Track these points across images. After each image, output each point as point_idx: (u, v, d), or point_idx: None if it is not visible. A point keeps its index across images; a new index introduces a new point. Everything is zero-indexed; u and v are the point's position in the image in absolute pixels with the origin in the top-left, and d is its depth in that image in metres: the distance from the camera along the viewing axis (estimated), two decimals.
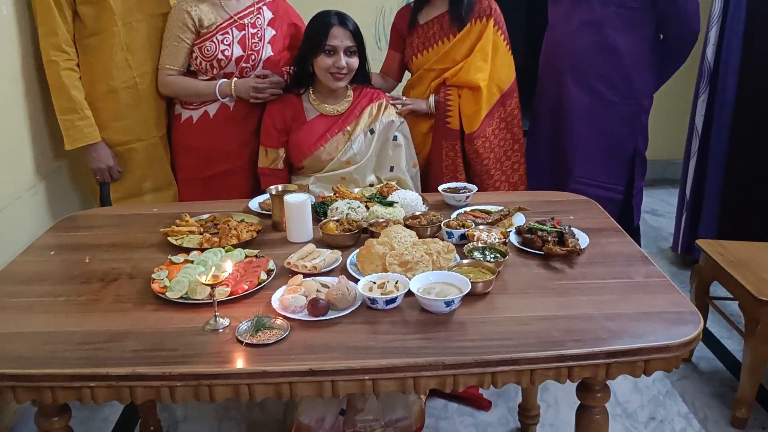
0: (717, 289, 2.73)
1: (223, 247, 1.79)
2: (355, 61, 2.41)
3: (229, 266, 1.48)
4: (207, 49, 2.47)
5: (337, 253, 1.74)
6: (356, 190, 2.30)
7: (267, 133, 2.51)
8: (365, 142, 2.49)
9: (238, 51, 2.50)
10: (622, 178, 2.74)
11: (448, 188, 2.20)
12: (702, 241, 2.62)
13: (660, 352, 1.38)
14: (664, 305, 1.52)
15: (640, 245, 2.95)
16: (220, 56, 2.47)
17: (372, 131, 2.50)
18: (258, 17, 2.57)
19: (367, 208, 2.09)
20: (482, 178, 2.71)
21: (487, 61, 2.65)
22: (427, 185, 2.75)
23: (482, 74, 2.65)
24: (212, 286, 1.44)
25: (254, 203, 2.19)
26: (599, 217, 2.05)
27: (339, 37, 2.36)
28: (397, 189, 2.24)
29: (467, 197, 2.13)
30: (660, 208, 4.44)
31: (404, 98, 2.71)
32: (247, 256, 1.76)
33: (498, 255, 1.70)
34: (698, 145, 3.34)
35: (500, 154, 2.75)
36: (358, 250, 1.74)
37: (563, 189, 2.72)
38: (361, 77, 2.55)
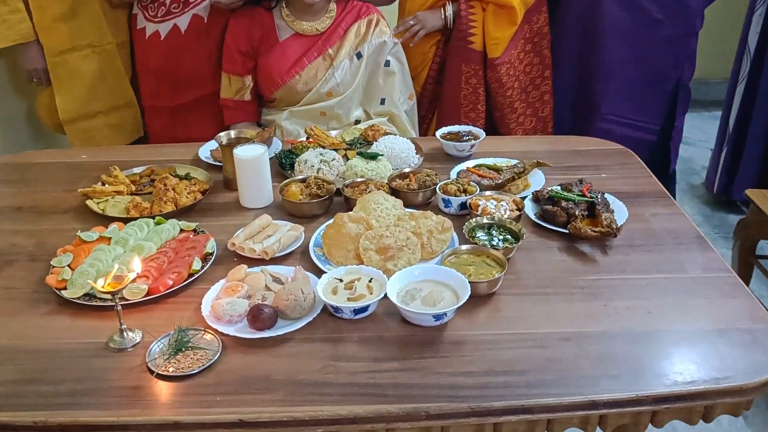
0: (766, 247, 2.33)
1: (154, 217, 1.39)
2: None
3: (137, 264, 1.08)
4: None
5: (299, 230, 1.33)
6: (333, 133, 1.86)
7: (229, 57, 2.04)
8: (350, 69, 2.03)
9: None
10: (658, 115, 2.26)
11: (449, 133, 1.76)
12: (753, 192, 2.18)
13: (728, 396, 0.99)
14: (733, 317, 1.12)
15: (674, 195, 2.52)
16: None
17: (359, 55, 2.03)
18: None
19: (347, 158, 1.67)
20: (504, 112, 2.25)
21: None
22: (436, 118, 2.32)
23: None
24: (113, 294, 1.04)
25: (205, 150, 1.76)
26: (639, 175, 1.62)
27: None
28: (387, 132, 1.81)
29: (472, 146, 1.70)
30: (692, 136, 3.93)
31: (411, 22, 2.17)
32: (182, 231, 1.36)
33: (509, 237, 1.29)
34: (749, 67, 2.84)
35: (526, 83, 2.28)
36: (325, 226, 1.33)
37: (587, 128, 2.27)
38: None
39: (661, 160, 2.32)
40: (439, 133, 1.74)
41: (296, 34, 2.02)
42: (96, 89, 2.12)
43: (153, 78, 2.13)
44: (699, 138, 3.88)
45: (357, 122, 2.08)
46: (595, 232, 1.29)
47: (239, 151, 1.44)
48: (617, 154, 1.74)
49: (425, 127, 2.35)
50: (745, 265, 2.27)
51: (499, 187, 1.50)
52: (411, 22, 2.17)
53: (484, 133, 1.73)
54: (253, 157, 1.42)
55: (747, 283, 2.32)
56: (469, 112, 2.22)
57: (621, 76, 2.21)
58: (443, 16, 2.18)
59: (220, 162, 1.63)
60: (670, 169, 2.38)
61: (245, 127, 2.07)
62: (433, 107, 2.35)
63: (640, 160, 1.70)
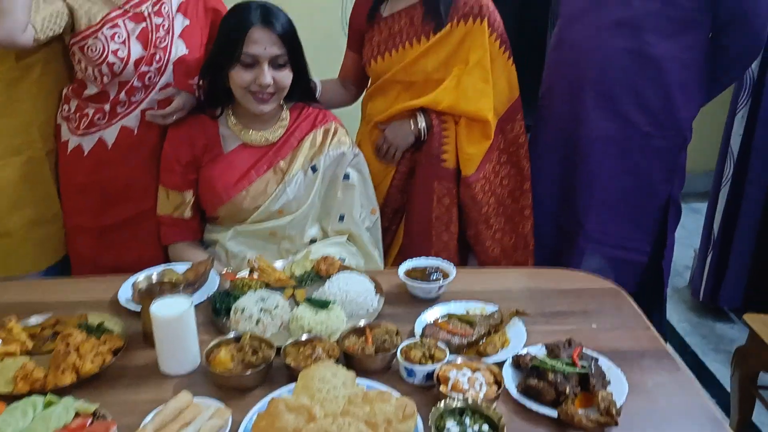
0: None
1: (46, 393, 1.11)
2: (286, 76, 1.71)
3: None
4: (91, 50, 1.76)
5: (224, 416, 1.07)
6: (280, 264, 1.61)
7: (168, 169, 1.80)
8: (305, 183, 1.80)
9: (137, 50, 1.79)
10: (648, 234, 2.05)
11: (414, 269, 1.52)
12: (752, 317, 1.98)
13: None
14: None
15: (664, 315, 2.31)
16: (111, 59, 1.76)
17: (314, 168, 1.81)
18: (163, 2, 1.85)
19: (294, 300, 1.42)
20: (479, 229, 2.04)
21: (489, 82, 1.97)
22: (403, 238, 2.09)
23: (486, 101, 1.96)
24: None
25: (125, 291, 1.49)
26: (635, 325, 1.39)
27: (262, 43, 1.66)
28: (343, 266, 1.57)
29: (440, 288, 1.46)
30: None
31: (384, 146, 2.02)
32: (78, 415, 1.08)
33: (486, 427, 1.04)
34: (732, 170, 2.70)
35: (503, 196, 2.08)
36: (256, 414, 1.06)
37: (571, 248, 2.06)
38: (300, 93, 1.86)
39: (653, 282, 2.10)
40: (402, 270, 1.51)
41: (244, 144, 1.80)
42: (20, 199, 1.86)
43: (76, 195, 1.88)
44: (680, 234, 3.69)
45: (313, 241, 1.84)
46: (592, 421, 1.05)
47: (157, 308, 1.18)
48: (607, 294, 1.51)
49: (389, 241, 2.12)
50: (747, 398, 2.04)
51: (472, 346, 1.26)
52: (384, 145, 2.01)
53: (454, 269, 1.50)
54: (173, 317, 1.17)
55: (749, 415, 2.10)
56: (441, 233, 2.01)
57: (607, 190, 2.01)
58: (415, 131, 1.99)
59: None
60: (663, 293, 2.17)
61: (185, 247, 1.82)
62: (397, 218, 2.12)
63: (633, 303, 1.47)
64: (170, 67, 1.84)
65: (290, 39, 1.70)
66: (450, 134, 1.99)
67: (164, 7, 1.84)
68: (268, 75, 1.67)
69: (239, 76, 1.68)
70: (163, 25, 1.84)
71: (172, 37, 1.85)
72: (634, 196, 2.01)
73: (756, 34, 1.88)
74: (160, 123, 1.82)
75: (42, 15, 1.70)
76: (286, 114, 1.83)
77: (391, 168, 2.05)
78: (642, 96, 1.95)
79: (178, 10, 1.87)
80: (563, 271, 1.67)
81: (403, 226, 2.10)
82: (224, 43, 1.68)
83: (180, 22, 1.87)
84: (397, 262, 2.01)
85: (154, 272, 1.53)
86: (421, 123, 1.97)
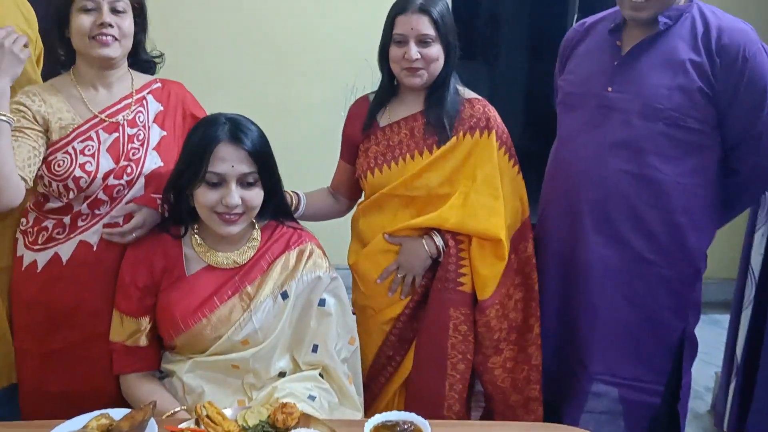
0: None
1: None
2: (255, 195, 1.57)
3: None
4: (58, 165, 1.64)
5: None
6: (230, 413, 1.40)
7: (124, 293, 1.64)
8: (273, 311, 1.62)
9: (107, 163, 1.68)
10: (661, 373, 1.82)
11: (383, 424, 1.31)
12: None
13: None
14: None
15: None
16: (78, 173, 1.64)
17: (285, 295, 1.64)
18: (139, 111, 1.75)
19: None
20: (488, 356, 1.88)
21: (500, 198, 1.86)
22: (414, 368, 1.93)
23: (498, 219, 1.85)
24: None
25: None
26: None
27: (229, 160, 1.52)
28: (303, 415, 1.37)
29: None
30: None
31: (399, 274, 1.90)
32: None
33: None
34: (754, 291, 2.48)
35: (517, 321, 1.92)
36: None
37: (573, 386, 1.84)
38: (274, 210, 1.71)
39: (668, 426, 1.86)
40: (369, 426, 1.30)
41: (209, 267, 1.64)
42: None
43: (25, 315, 1.72)
44: (700, 350, 3.44)
45: (282, 375, 1.65)
46: None
47: None
48: None
49: (392, 371, 1.95)
50: None
51: None
52: (399, 273, 1.90)
53: (428, 426, 1.29)
54: None
55: None
56: (457, 364, 1.86)
57: (612, 323, 1.80)
58: (432, 250, 1.86)
59: None
60: None
61: (137, 380, 1.64)
62: (404, 348, 1.96)
63: None
64: (142, 180, 1.72)
65: (261, 155, 1.57)
66: (466, 255, 1.86)
67: (140, 117, 1.74)
68: (235, 195, 1.53)
69: (204, 196, 1.54)
70: (138, 136, 1.73)
71: (147, 148, 1.74)
72: (641, 332, 1.81)
73: None
74: (119, 241, 1.67)
75: (22, 157, 1.61)
76: (257, 234, 1.68)
77: (397, 296, 1.92)
78: (644, 221, 1.80)
79: (154, 121, 1.77)
80: (561, 428, 1.45)
81: (411, 356, 1.93)
82: (189, 160, 1.55)
83: (156, 133, 1.76)
84: (402, 395, 1.83)
85: (88, 419, 1.34)
86: (439, 241, 1.86)
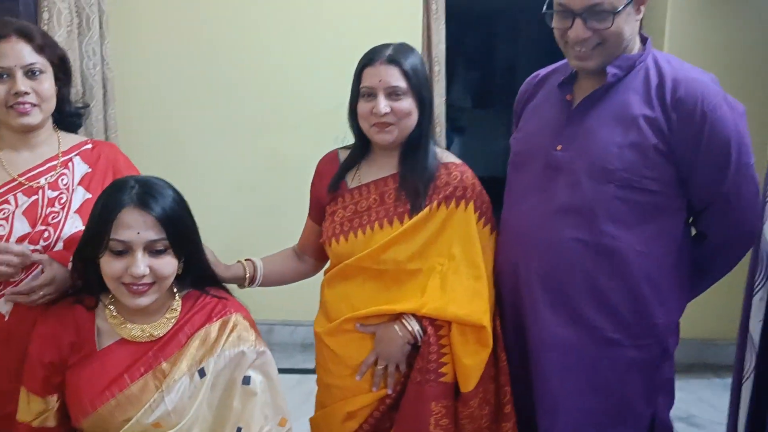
0: None
1: None
2: (165, 264, 1.45)
3: None
4: None
5: None
6: None
7: (31, 370, 1.51)
8: (189, 391, 1.48)
9: (21, 227, 1.59)
10: None
11: None
12: None
13: None
14: None
15: None
16: None
17: (202, 372, 1.50)
18: (63, 174, 1.67)
19: None
20: None
21: (483, 278, 1.70)
22: None
23: (480, 302, 1.68)
24: None
25: None
26: None
27: (134, 226, 1.41)
28: None
29: None
30: (699, 414, 3.22)
31: (379, 367, 1.73)
32: None
33: None
34: (754, 362, 2.25)
35: (497, 405, 1.74)
36: None
37: None
38: (196, 278, 1.59)
39: None
40: None
41: (123, 340, 1.52)
42: None
43: None
44: (710, 417, 3.18)
45: None
46: None
47: None
48: None
49: None
50: None
51: None
52: (379, 365, 1.73)
53: None
54: None
55: None
56: None
57: (574, 412, 1.60)
58: (407, 336, 1.69)
59: None
60: None
61: None
62: None
63: None
64: (60, 245, 1.62)
65: (173, 220, 1.45)
66: (447, 341, 1.68)
67: (63, 180, 1.66)
68: (141, 264, 1.41)
69: (109, 266, 1.42)
70: (59, 199, 1.64)
71: (68, 211, 1.64)
72: (607, 421, 1.60)
73: (743, 221, 1.54)
74: (25, 302, 1.56)
75: None
76: (177, 304, 1.55)
77: (369, 387, 1.75)
78: (604, 296, 1.59)
79: (80, 183, 1.68)
80: None
81: None
82: (93, 227, 1.45)
83: (80, 196, 1.68)
84: None
85: None
86: (414, 326, 1.68)
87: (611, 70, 1.56)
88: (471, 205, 1.71)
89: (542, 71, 1.85)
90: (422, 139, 1.73)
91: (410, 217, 1.69)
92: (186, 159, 3.60)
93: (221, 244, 3.57)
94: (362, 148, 1.81)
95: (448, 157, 1.80)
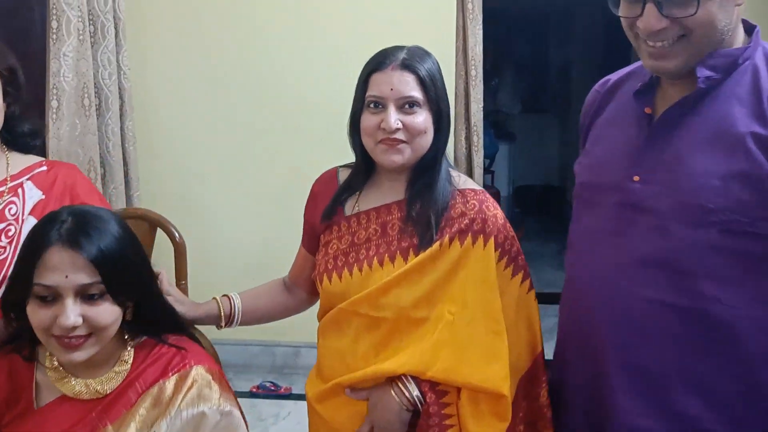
0: None
1: None
2: (103, 312, 1.22)
3: None
4: None
5: None
6: None
7: None
8: None
9: None
10: None
11: None
12: None
13: None
14: None
15: None
16: None
17: None
18: (11, 202, 1.48)
19: None
20: None
21: (502, 333, 1.41)
22: None
23: (499, 364, 1.39)
24: None
25: None
26: None
27: (61, 269, 1.19)
28: None
29: None
30: None
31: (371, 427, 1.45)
32: None
33: None
34: None
35: None
36: None
37: None
38: (152, 325, 1.37)
39: None
40: None
41: (63, 397, 1.31)
42: None
43: None
44: None
45: None
46: None
47: None
48: None
49: None
50: None
51: None
52: None
53: None
54: None
55: None
56: None
57: None
58: (405, 403, 1.41)
59: None
60: None
61: None
62: None
63: None
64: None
65: (111, 261, 1.22)
66: (453, 410, 1.40)
67: (11, 210, 1.46)
68: (71, 313, 1.19)
69: (35, 315, 1.21)
70: (6, 232, 1.45)
71: (16, 247, 1.45)
72: None
73: None
74: None
75: None
76: (128, 355, 1.33)
77: None
78: (702, 377, 1.21)
79: (31, 212, 1.48)
80: None
81: None
82: (16, 268, 1.24)
83: (30, 226, 1.47)
84: None
85: None
86: (413, 391, 1.40)
87: (702, 72, 1.18)
88: (491, 242, 1.42)
89: (614, 75, 1.46)
90: (437, 159, 1.47)
91: (417, 254, 1.41)
92: (206, 172, 3.43)
93: (242, 258, 3.42)
94: (364, 169, 1.54)
95: (466, 183, 1.51)
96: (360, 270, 1.46)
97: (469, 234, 1.42)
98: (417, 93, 1.40)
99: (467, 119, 3.34)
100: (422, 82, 1.40)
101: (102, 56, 2.99)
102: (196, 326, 1.61)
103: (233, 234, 3.46)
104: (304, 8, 3.27)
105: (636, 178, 1.25)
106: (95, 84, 2.98)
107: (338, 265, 1.49)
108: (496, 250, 1.43)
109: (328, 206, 1.55)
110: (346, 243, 1.50)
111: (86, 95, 2.90)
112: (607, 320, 1.28)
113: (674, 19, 1.15)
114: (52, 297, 1.19)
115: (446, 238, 1.41)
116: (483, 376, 1.37)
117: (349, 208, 1.53)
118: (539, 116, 6.94)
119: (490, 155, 5.49)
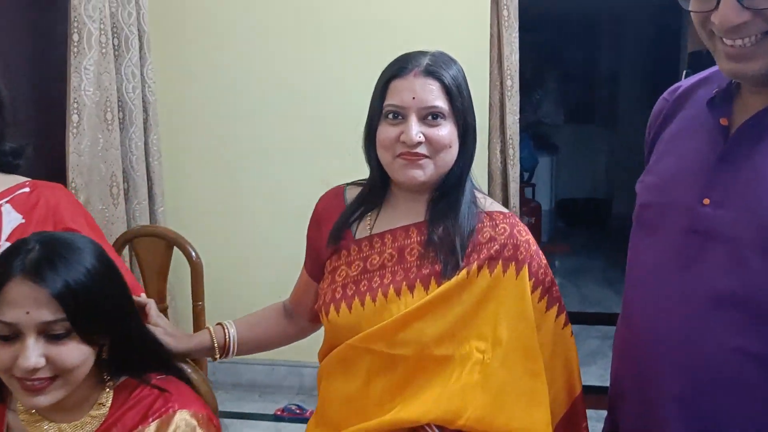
0: None
1: None
2: (68, 352, 1.10)
3: None
4: None
5: None
6: None
7: None
8: None
9: None
10: None
11: None
12: None
13: None
14: None
15: None
16: None
17: None
18: None
19: None
20: None
21: (541, 374, 1.25)
22: None
23: (540, 410, 1.24)
24: None
25: None
26: None
27: (23, 305, 1.07)
28: None
29: None
30: None
31: None
32: None
33: None
34: None
35: None
36: None
37: None
38: (132, 364, 1.25)
39: None
40: None
41: None
42: None
43: None
44: None
45: None
46: None
47: None
48: None
49: None
50: None
51: None
52: None
53: None
54: None
55: None
56: None
57: None
58: None
59: None
60: None
61: None
62: None
63: None
64: None
65: (79, 297, 1.09)
66: None
67: None
68: (33, 354, 1.07)
69: None
70: None
71: None
72: None
73: None
74: None
75: None
76: (107, 397, 1.21)
77: None
78: None
79: (8, 239, 1.39)
80: None
81: None
82: None
83: None
84: None
85: None
86: None
87: None
88: (524, 271, 1.26)
89: (686, 81, 1.27)
90: (462, 179, 1.32)
91: (439, 283, 1.25)
92: (235, 186, 3.34)
93: (274, 275, 3.31)
94: (380, 186, 1.38)
95: (493, 205, 1.36)
96: (374, 300, 1.29)
97: (500, 261, 1.26)
98: (441, 102, 1.26)
99: (502, 131, 3.17)
100: (448, 91, 1.26)
101: (126, 69, 2.94)
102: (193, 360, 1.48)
103: (259, 251, 3.36)
104: (333, 17, 3.16)
105: (706, 200, 1.06)
106: (118, 98, 2.93)
107: (348, 294, 1.32)
108: (530, 279, 1.27)
109: (335, 228, 1.38)
110: (356, 269, 1.34)
111: (109, 109, 2.84)
112: (673, 370, 1.09)
113: (758, 11, 0.94)
114: (13, 335, 1.08)
115: (474, 266, 1.25)
116: (523, 423, 1.22)
117: (361, 230, 1.37)
118: (584, 127, 6.70)
119: (529, 168, 5.29)
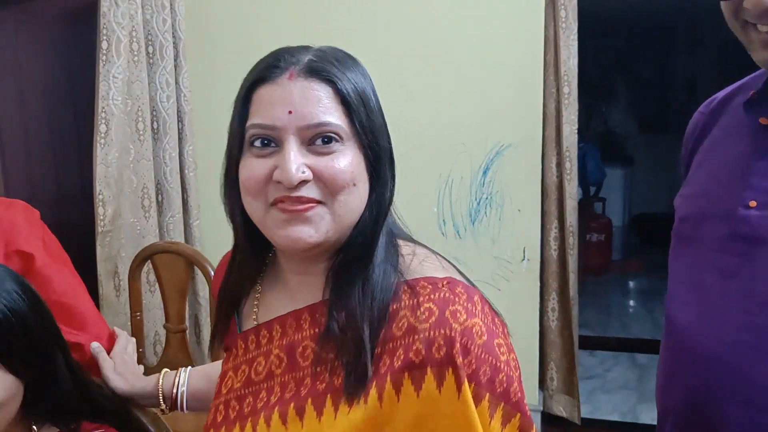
0: None
1: None
2: None
3: None
4: None
5: None
6: None
7: None
8: None
9: None
10: None
11: None
12: None
13: None
14: None
15: None
16: None
17: None
18: None
19: None
20: None
21: None
22: None
23: None
24: None
25: None
26: None
27: None
28: None
29: None
30: None
31: None
32: None
33: None
34: None
35: None
36: None
37: None
38: (59, 408, 1.07)
39: None
40: None
41: None
42: None
43: None
44: None
45: None
46: None
47: None
48: None
49: None
50: None
51: None
52: None
53: None
54: None
55: None
56: None
57: None
58: None
59: None
60: None
61: None
62: None
63: None
64: None
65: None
66: None
67: None
68: None
69: None
70: None
71: None
72: None
73: None
74: None
75: None
76: None
77: None
78: None
79: None
80: None
81: None
82: None
83: None
84: None
85: None
86: None
87: None
88: (466, 385, 0.79)
89: (722, 92, 1.20)
90: (375, 231, 0.87)
91: (337, 407, 0.82)
92: None
93: None
94: (254, 254, 0.96)
95: (422, 267, 0.88)
96: (254, 428, 0.88)
97: (428, 369, 0.80)
98: (334, 118, 0.83)
99: (558, 143, 2.90)
100: (344, 100, 0.84)
101: (160, 78, 2.83)
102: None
103: None
104: (372, 24, 2.97)
105: (752, 203, 0.97)
106: (152, 107, 2.83)
107: (229, 417, 0.93)
108: (482, 400, 0.80)
109: (216, 321, 1.01)
110: (241, 379, 0.94)
111: (140, 119, 2.74)
112: (726, 389, 0.95)
113: None
114: None
115: (388, 384, 0.80)
116: None
117: (246, 316, 0.98)
118: (659, 137, 6.26)
119: (595, 182, 4.94)
